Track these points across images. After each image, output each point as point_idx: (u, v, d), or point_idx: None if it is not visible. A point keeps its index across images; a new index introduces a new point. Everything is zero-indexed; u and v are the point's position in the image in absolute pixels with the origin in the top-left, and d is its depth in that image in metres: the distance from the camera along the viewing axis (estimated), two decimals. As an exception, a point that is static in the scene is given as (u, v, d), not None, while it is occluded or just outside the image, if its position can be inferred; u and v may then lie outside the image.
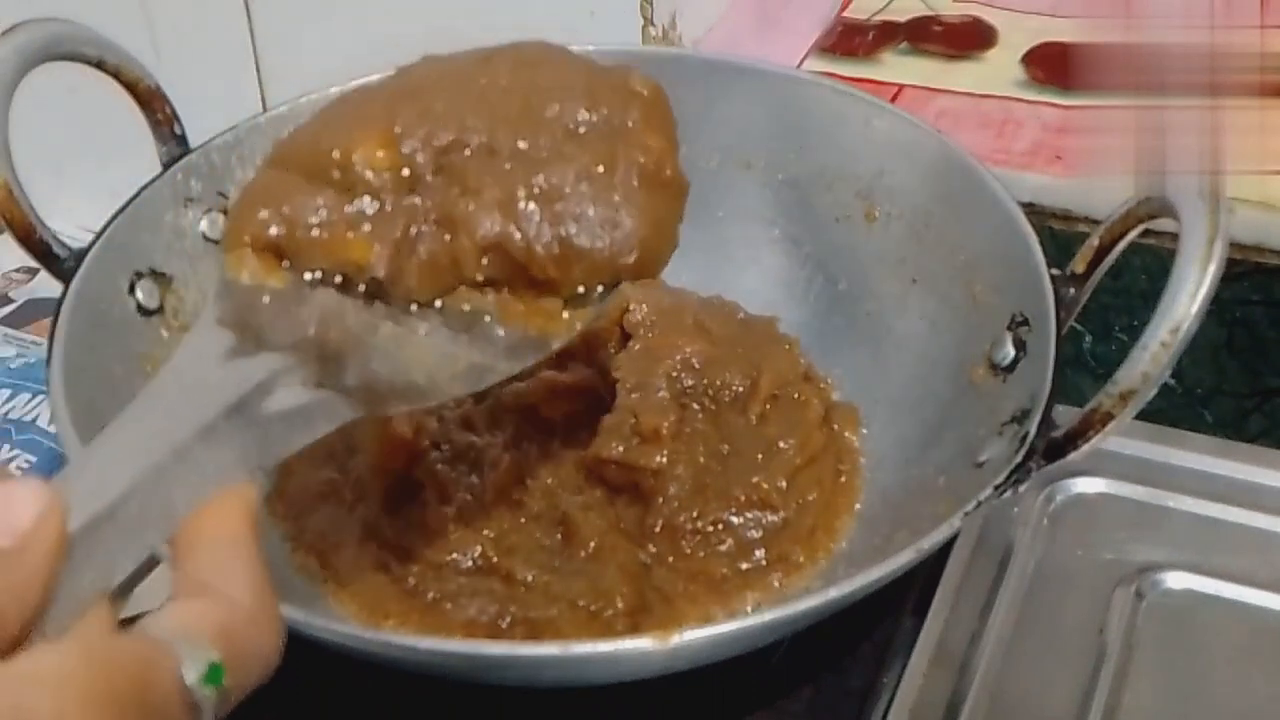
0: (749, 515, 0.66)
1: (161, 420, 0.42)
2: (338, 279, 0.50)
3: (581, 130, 0.53)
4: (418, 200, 0.51)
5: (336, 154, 0.51)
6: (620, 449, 0.65)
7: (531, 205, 0.51)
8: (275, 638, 0.40)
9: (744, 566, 0.64)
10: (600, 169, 0.52)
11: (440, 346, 0.50)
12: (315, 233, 0.50)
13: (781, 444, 0.68)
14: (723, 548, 0.64)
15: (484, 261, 0.51)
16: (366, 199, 0.50)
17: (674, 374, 0.70)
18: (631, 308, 0.73)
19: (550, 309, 0.52)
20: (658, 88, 0.55)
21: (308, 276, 0.50)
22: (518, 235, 0.51)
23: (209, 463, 0.42)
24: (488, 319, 0.51)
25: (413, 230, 0.50)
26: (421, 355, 0.50)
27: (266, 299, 0.49)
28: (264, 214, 0.50)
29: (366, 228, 0.50)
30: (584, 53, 0.77)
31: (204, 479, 0.41)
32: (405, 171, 0.51)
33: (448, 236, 0.50)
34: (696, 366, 0.71)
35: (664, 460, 0.63)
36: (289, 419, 0.45)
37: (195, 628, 0.37)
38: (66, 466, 0.41)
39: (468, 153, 0.51)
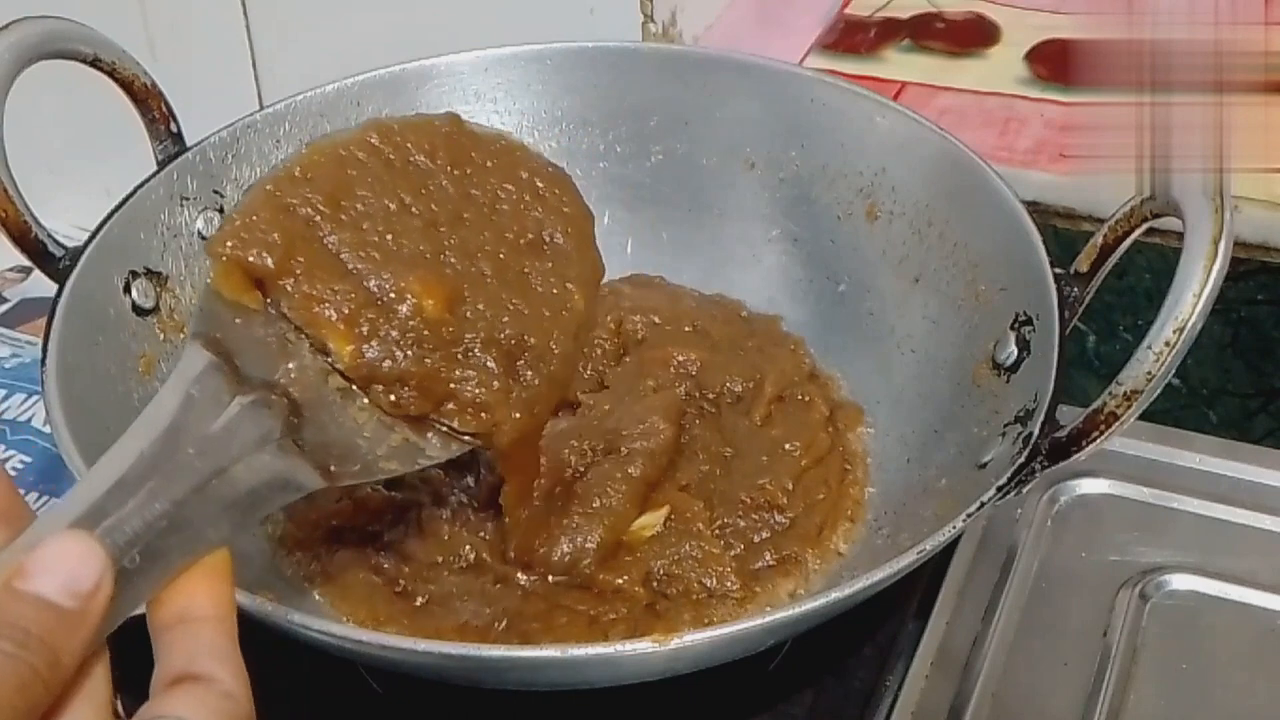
0: (755, 517, 0.65)
1: (159, 474, 0.43)
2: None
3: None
4: (440, 365, 0.53)
5: (388, 285, 0.53)
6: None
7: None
8: (250, 710, 0.40)
9: (753, 568, 0.64)
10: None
11: (379, 415, 0.53)
12: (318, 308, 0.51)
13: (787, 445, 0.68)
14: (731, 551, 0.64)
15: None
16: (391, 328, 0.52)
17: (667, 386, 0.69)
18: (628, 320, 0.73)
19: None
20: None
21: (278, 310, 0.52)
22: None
23: (199, 521, 0.43)
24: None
25: (411, 381, 0.53)
26: (363, 419, 0.52)
27: (240, 321, 0.50)
28: (275, 252, 0.51)
29: (370, 347, 0.52)
30: (583, 50, 0.78)
31: (194, 538, 0.43)
32: (445, 331, 0.53)
33: (450, 405, 0.54)
34: (693, 374, 0.71)
35: (625, 581, 0.62)
36: (267, 484, 0.47)
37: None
38: (74, 506, 0.41)
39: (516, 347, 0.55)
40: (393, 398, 0.52)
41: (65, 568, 0.38)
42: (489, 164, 0.57)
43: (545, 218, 0.57)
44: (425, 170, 0.56)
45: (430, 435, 0.54)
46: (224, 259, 0.51)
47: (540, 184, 0.58)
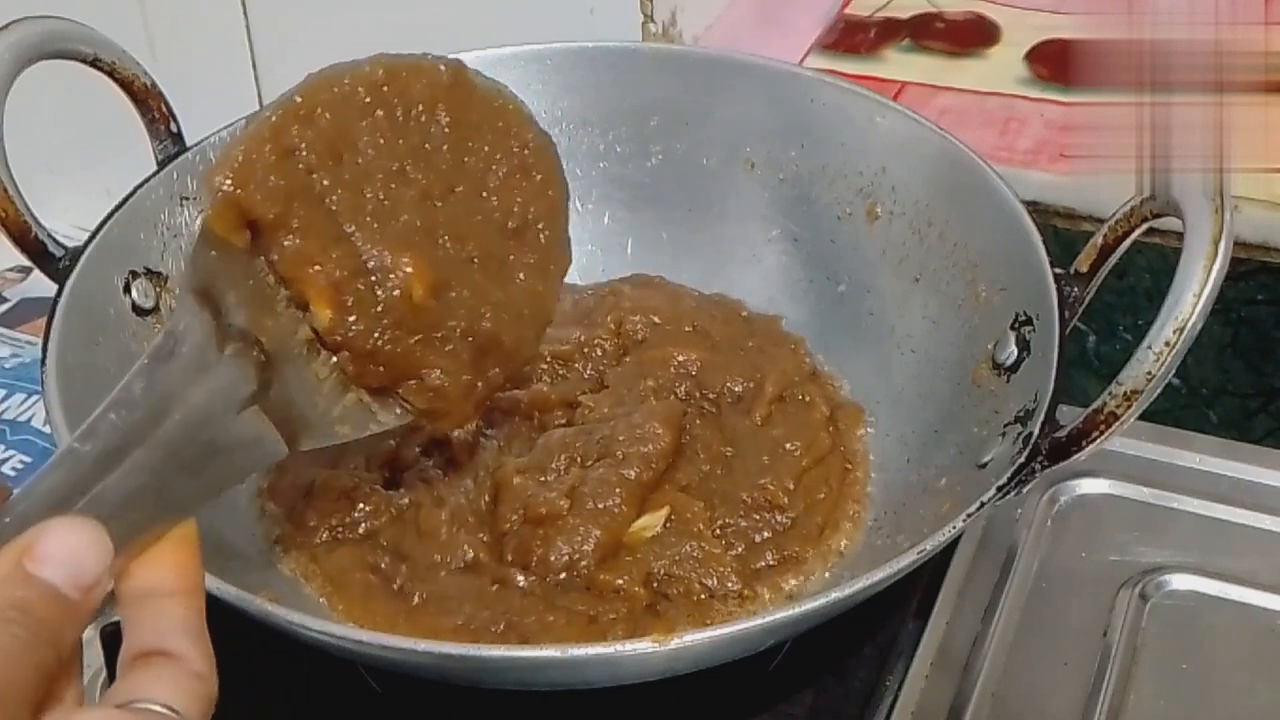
0: (757, 517, 0.65)
1: (144, 443, 0.43)
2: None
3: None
4: (414, 348, 0.54)
5: (382, 260, 0.53)
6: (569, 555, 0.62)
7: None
8: (216, 689, 0.40)
9: (754, 568, 0.63)
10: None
11: (335, 374, 0.53)
12: (310, 269, 0.51)
13: (787, 445, 0.68)
14: (731, 552, 0.64)
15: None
16: (375, 305, 0.53)
17: (667, 386, 0.70)
18: (628, 320, 0.73)
19: None
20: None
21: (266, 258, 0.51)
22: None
23: (177, 490, 0.43)
24: None
25: (381, 358, 0.53)
26: (323, 375, 0.53)
27: (225, 261, 0.50)
28: (276, 200, 0.51)
29: (352, 319, 0.52)
30: (583, 50, 0.78)
31: (169, 507, 0.42)
32: (426, 316, 0.54)
33: (411, 383, 0.55)
34: (693, 374, 0.71)
35: (625, 581, 0.62)
36: (241, 450, 0.48)
37: (186, 707, 0.38)
38: (61, 476, 0.41)
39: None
40: (356, 369, 0.53)
41: (72, 558, 0.38)
42: (484, 127, 0.57)
43: (529, 201, 0.58)
44: (424, 128, 0.55)
45: (389, 401, 0.55)
46: (222, 194, 0.50)
47: (530, 158, 0.58)
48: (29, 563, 0.37)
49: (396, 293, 0.53)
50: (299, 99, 0.52)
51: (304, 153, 0.52)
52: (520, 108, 0.58)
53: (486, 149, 0.57)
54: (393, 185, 0.54)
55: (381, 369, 0.54)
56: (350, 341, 0.53)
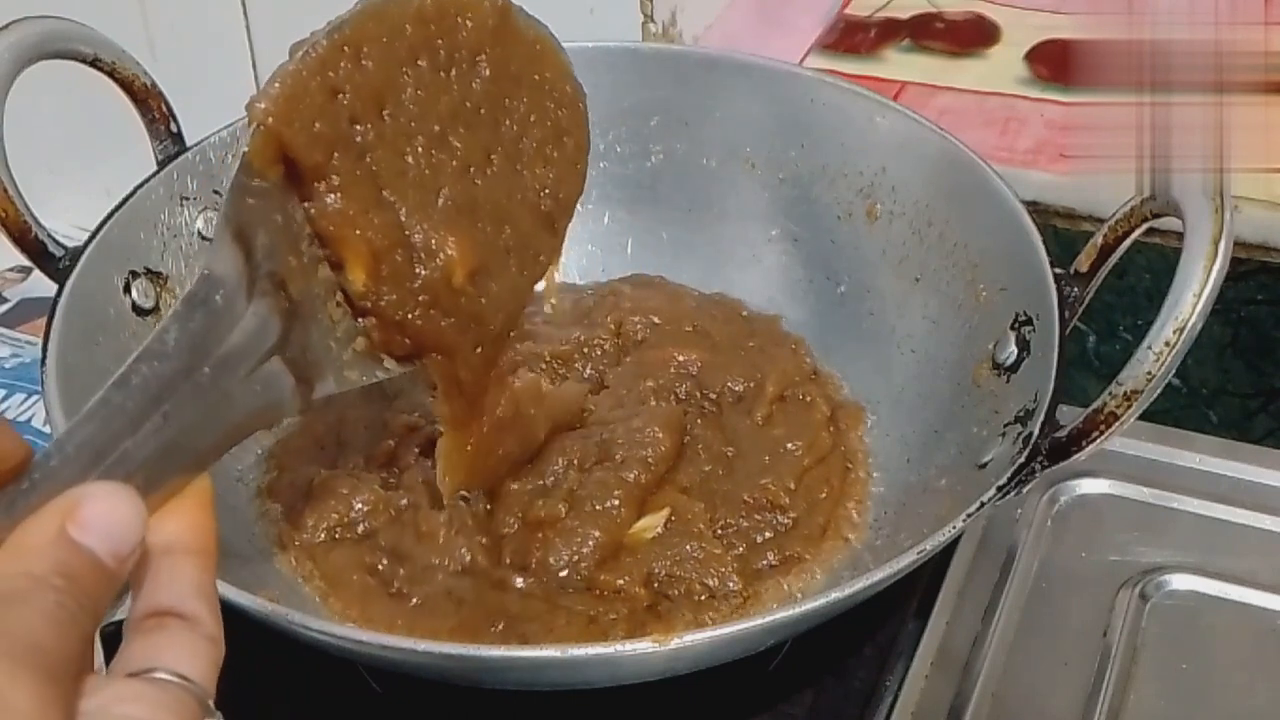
0: (758, 517, 0.65)
1: (175, 396, 0.42)
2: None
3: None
4: (447, 330, 0.55)
5: (427, 238, 0.53)
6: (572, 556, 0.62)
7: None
8: (224, 651, 0.40)
9: (755, 568, 0.63)
10: None
11: (348, 318, 0.53)
12: (350, 230, 0.51)
13: (789, 445, 0.68)
14: (732, 552, 0.64)
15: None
16: (414, 280, 0.53)
17: (667, 386, 0.70)
18: (628, 321, 0.73)
19: None
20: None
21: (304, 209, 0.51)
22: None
23: (200, 444, 0.43)
24: None
25: (409, 331, 0.54)
26: (338, 317, 0.52)
27: (258, 199, 0.49)
28: (319, 147, 0.50)
29: (386, 289, 0.52)
30: (583, 50, 0.77)
31: (192, 463, 0.42)
32: (460, 300, 0.54)
33: (437, 356, 0.55)
34: (693, 374, 0.71)
35: (625, 582, 0.62)
36: (263, 401, 0.47)
37: (202, 675, 0.38)
38: (93, 430, 0.40)
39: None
40: (382, 337, 0.53)
41: (114, 527, 0.37)
42: (524, 80, 0.56)
43: (559, 178, 0.58)
44: (465, 79, 0.54)
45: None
46: (264, 129, 0.49)
47: (563, 120, 0.58)
48: (73, 528, 0.37)
49: (437, 274, 0.53)
50: (348, 30, 0.51)
51: (348, 97, 0.51)
52: (558, 54, 0.58)
53: (523, 108, 0.56)
54: (434, 152, 0.53)
55: (408, 341, 0.54)
56: (380, 310, 0.52)
